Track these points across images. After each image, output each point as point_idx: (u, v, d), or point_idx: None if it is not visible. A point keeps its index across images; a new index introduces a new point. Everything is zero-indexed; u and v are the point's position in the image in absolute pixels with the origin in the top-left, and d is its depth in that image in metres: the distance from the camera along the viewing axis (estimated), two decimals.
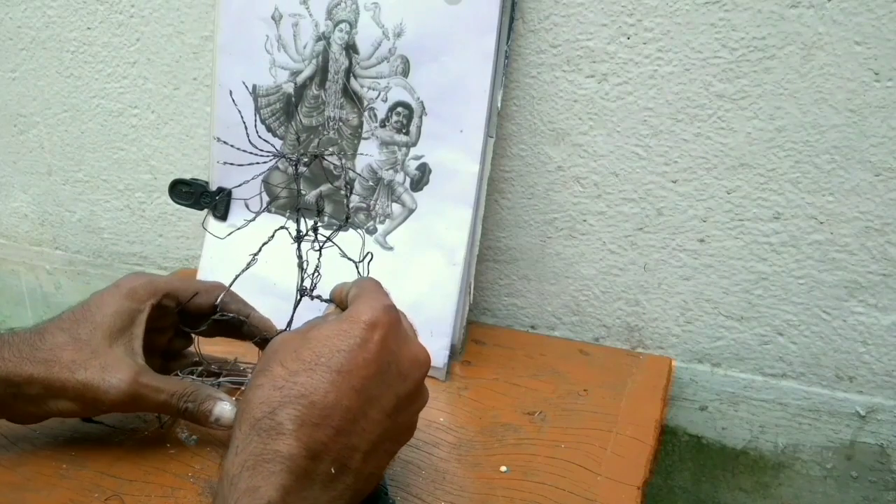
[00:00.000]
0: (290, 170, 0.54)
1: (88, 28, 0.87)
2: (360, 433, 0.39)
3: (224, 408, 0.49)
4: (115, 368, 0.48)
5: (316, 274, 0.51)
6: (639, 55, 0.66)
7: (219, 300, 0.55)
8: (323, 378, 0.39)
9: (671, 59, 0.66)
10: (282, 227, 0.50)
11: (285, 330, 0.53)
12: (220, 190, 0.73)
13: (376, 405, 0.40)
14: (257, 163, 0.51)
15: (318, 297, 0.50)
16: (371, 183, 0.68)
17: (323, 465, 0.38)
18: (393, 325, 0.42)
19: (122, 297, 0.50)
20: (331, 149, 0.59)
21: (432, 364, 0.65)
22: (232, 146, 0.55)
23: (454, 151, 0.65)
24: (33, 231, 1.02)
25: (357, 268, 0.50)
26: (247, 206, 0.69)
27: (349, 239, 0.69)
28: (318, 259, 0.51)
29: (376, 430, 0.40)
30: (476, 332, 0.75)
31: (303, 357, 0.40)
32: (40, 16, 0.89)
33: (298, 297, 0.51)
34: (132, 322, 0.50)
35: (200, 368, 0.56)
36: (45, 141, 0.95)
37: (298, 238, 0.50)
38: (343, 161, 0.64)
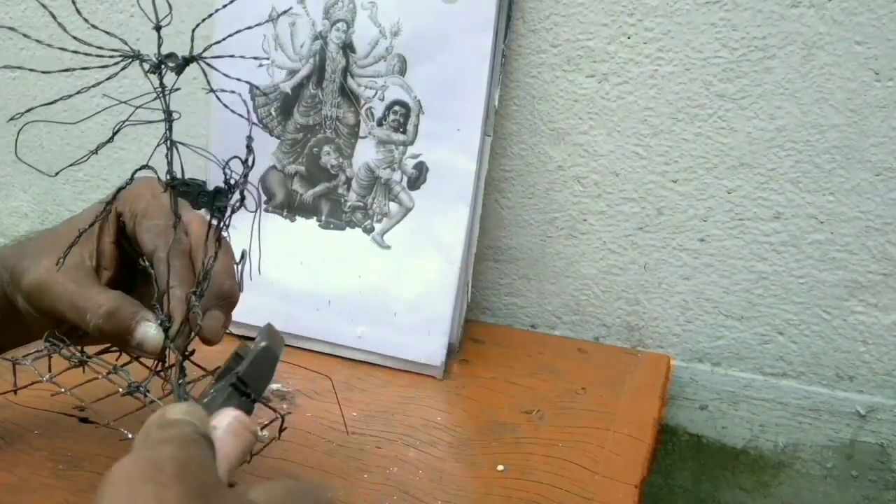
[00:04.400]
0: (155, 79, 0.38)
1: (88, 28, 0.87)
2: None
3: (148, 331, 0.40)
4: (43, 256, 0.42)
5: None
6: (639, 55, 0.66)
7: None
8: None
9: (671, 59, 0.65)
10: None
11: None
12: (218, 189, 0.72)
13: None
14: (97, 66, 0.38)
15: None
16: (368, 181, 0.68)
17: None
18: None
19: (102, 201, 0.45)
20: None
21: (429, 362, 0.66)
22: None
23: (451, 150, 0.65)
24: (33, 230, 1.02)
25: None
26: (244, 206, 0.69)
27: (348, 239, 0.69)
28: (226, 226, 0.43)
29: None
30: (474, 330, 0.75)
31: None
32: (40, 15, 0.89)
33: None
34: (103, 218, 0.44)
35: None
36: (45, 140, 0.95)
37: (162, 92, 0.38)
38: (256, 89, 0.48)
